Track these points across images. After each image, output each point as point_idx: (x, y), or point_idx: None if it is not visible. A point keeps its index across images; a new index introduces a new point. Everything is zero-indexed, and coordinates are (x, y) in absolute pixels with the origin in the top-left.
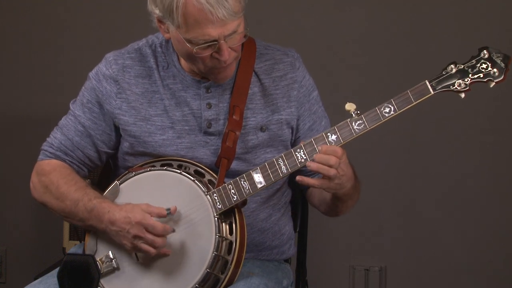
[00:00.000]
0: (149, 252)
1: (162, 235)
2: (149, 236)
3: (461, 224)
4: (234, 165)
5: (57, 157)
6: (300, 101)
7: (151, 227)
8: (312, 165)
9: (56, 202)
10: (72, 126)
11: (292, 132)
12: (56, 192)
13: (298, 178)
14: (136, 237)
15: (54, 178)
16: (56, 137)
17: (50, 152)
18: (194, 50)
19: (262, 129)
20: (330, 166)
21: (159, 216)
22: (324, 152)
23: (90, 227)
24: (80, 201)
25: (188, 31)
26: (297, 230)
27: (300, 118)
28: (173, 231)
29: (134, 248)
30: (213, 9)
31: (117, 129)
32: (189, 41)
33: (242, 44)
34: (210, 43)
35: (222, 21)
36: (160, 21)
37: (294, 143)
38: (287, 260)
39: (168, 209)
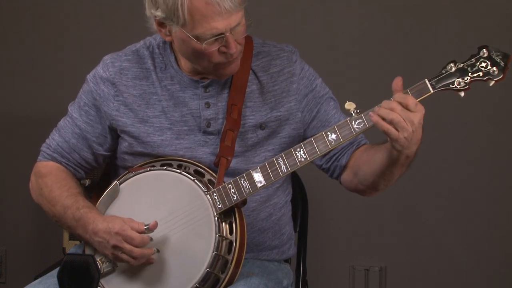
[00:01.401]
0: (130, 262)
1: (140, 246)
2: (127, 247)
3: (461, 224)
4: (234, 163)
5: (53, 159)
6: (302, 93)
7: (129, 239)
8: (376, 109)
9: (48, 205)
10: (69, 128)
11: (296, 127)
12: (49, 195)
13: (374, 118)
14: (115, 247)
15: (48, 181)
16: (54, 138)
17: (48, 154)
18: (203, 46)
19: (261, 127)
20: (392, 110)
21: (137, 231)
22: (396, 98)
23: (78, 235)
24: (69, 209)
25: (194, 27)
26: (297, 230)
27: (305, 109)
28: (151, 239)
29: (115, 258)
30: (220, 1)
31: (112, 132)
32: (197, 37)
33: None
34: (217, 37)
35: (228, 12)
36: (160, 24)
37: (308, 133)
38: (287, 260)
39: (147, 225)
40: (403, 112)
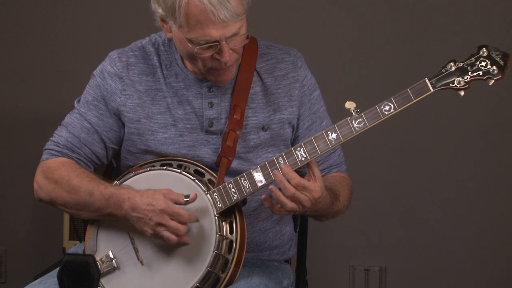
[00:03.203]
0: (171, 239)
1: (188, 221)
2: (173, 224)
3: (461, 224)
4: (235, 164)
5: (64, 155)
6: (301, 100)
7: (176, 215)
8: (274, 191)
9: (68, 195)
10: (78, 124)
11: (292, 131)
12: (68, 185)
13: (264, 197)
14: (159, 224)
15: (64, 172)
16: (61, 135)
17: (56, 151)
18: (195, 50)
19: (263, 129)
20: (288, 197)
21: (177, 203)
22: (292, 181)
23: (108, 215)
24: (95, 190)
25: (189, 31)
26: (297, 230)
27: (300, 118)
28: (197, 220)
29: (155, 235)
30: (215, 10)
31: (123, 124)
32: (190, 41)
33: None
34: (211, 44)
35: (224, 22)
36: (162, 20)
37: (293, 143)
38: (287, 260)
39: (187, 196)
40: (295, 196)
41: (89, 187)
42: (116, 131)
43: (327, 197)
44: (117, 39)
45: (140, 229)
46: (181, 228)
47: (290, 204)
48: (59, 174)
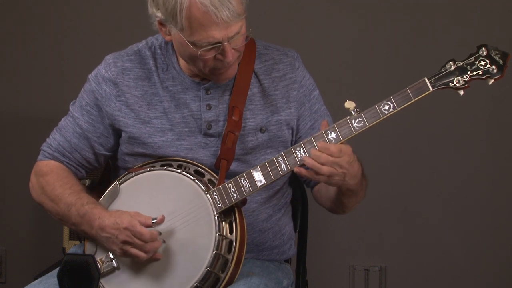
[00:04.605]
0: (139, 256)
1: (150, 241)
2: (138, 241)
3: (461, 224)
4: (234, 166)
5: (55, 158)
6: (300, 101)
7: (138, 234)
8: (306, 160)
9: (51, 204)
10: (70, 128)
11: (292, 133)
12: (51, 194)
13: (296, 169)
14: (125, 242)
15: (50, 179)
16: (55, 138)
17: (49, 153)
18: (199, 53)
19: (261, 130)
20: (322, 164)
21: (145, 225)
22: (319, 148)
23: (83, 232)
24: (73, 206)
25: (192, 34)
26: (297, 230)
27: (300, 118)
28: (160, 233)
29: (124, 253)
30: (218, 11)
31: (115, 131)
32: (193, 44)
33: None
34: (214, 45)
35: (226, 23)
36: (161, 23)
37: (295, 144)
38: (287, 260)
39: (155, 219)
40: (329, 160)
41: (68, 201)
42: (107, 137)
43: (356, 161)
44: (116, 39)
45: (110, 249)
46: (147, 245)
47: (325, 168)
48: (47, 180)
